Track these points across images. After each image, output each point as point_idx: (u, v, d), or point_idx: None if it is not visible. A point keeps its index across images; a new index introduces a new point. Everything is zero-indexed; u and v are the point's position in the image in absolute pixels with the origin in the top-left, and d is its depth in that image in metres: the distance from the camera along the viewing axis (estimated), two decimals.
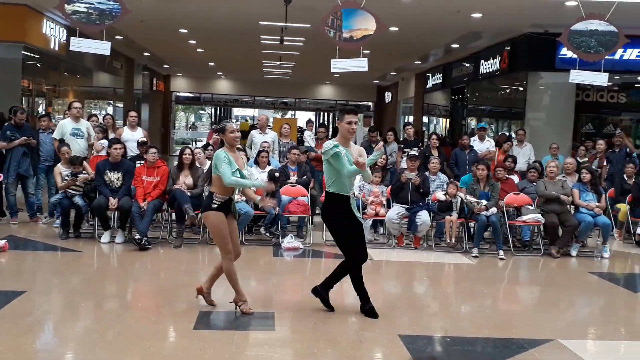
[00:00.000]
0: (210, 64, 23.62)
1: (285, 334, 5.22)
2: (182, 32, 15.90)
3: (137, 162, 9.06)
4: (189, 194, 8.32)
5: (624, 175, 10.02)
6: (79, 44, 9.30)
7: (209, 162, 9.22)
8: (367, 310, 5.60)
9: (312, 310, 5.71)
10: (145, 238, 8.02)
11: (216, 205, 5.45)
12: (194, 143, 18.60)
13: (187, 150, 8.77)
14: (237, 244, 5.74)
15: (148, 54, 21.68)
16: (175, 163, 8.91)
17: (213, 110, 34.20)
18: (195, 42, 17.78)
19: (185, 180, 8.52)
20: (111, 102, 22.07)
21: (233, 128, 5.55)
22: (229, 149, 5.49)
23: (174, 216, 8.64)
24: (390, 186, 9.23)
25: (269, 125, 11.59)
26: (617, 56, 12.13)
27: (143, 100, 24.39)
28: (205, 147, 9.97)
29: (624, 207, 9.67)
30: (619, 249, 9.41)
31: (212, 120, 33.63)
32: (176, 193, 8.27)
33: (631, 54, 12.80)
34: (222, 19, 13.72)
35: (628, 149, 11.15)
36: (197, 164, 8.85)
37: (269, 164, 9.39)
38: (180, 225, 8.39)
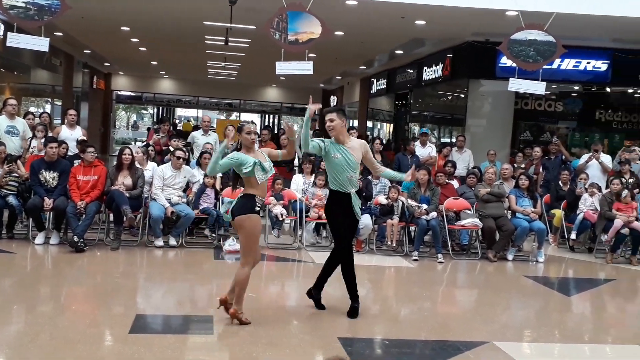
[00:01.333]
0: (153, 63, 23.25)
1: (224, 337, 5.15)
2: (124, 30, 15.59)
3: (75, 161, 8.83)
4: (127, 195, 8.15)
5: (559, 182, 10.33)
6: (16, 40, 8.99)
7: (150, 163, 9.08)
8: (349, 310, 5.74)
9: (251, 313, 5.66)
10: (81, 240, 7.81)
11: (258, 208, 5.26)
12: (134, 143, 18.26)
13: (127, 150, 8.59)
14: (259, 250, 5.57)
15: (89, 52, 21.18)
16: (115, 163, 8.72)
17: (155, 110, 33.66)
18: (137, 40, 17.46)
19: (124, 180, 8.33)
20: (49, 100, 21.45)
21: (250, 129, 5.33)
22: (245, 150, 5.33)
23: (111, 217, 8.45)
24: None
25: (211, 127, 11.47)
26: (554, 66, 12.49)
27: (82, 98, 23.80)
28: (146, 147, 9.78)
29: (558, 213, 9.96)
30: (553, 254, 9.68)
31: (154, 120, 33.07)
32: (114, 194, 8.08)
33: (568, 63, 13.21)
34: (165, 17, 13.52)
35: (564, 157, 11.50)
36: (137, 164, 8.68)
37: None
38: (118, 227, 8.21)
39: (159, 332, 5.28)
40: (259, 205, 5.25)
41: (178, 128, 27.56)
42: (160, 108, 33.44)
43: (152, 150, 9.76)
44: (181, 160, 8.70)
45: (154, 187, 8.50)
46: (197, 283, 6.97)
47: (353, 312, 5.73)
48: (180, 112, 37.71)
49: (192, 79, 29.10)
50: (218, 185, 8.99)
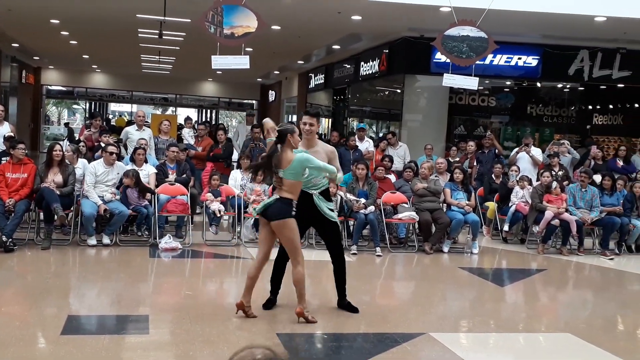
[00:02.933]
0: (84, 56, 22.57)
1: (160, 336, 5.06)
2: (54, 22, 15.07)
3: (3, 158, 8.49)
4: (58, 192, 7.89)
5: (492, 175, 10.58)
6: None
7: (81, 160, 8.81)
8: (271, 301, 5.87)
9: (188, 311, 5.58)
10: (10, 239, 7.52)
11: (295, 212, 5.27)
12: (66, 139, 17.71)
13: (57, 147, 8.30)
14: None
15: (17, 45, 20.39)
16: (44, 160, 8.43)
17: (88, 105, 32.73)
18: (67, 33, 16.89)
19: (54, 178, 8.06)
20: None
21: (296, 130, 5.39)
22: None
23: (42, 216, 8.17)
24: (272, 185, 9.19)
25: (146, 122, 11.24)
26: (487, 61, 12.76)
27: (11, 93, 22.90)
28: (77, 143, 9.49)
29: (492, 205, 10.20)
30: (487, 245, 9.92)
31: (86, 115, 32.16)
32: (44, 191, 7.81)
33: (500, 59, 13.52)
34: (96, 10, 13.13)
35: (497, 150, 11.78)
36: (67, 162, 8.40)
37: (146, 161, 9.10)
38: (48, 226, 7.94)
39: (93, 332, 5.14)
40: (295, 210, 5.29)
41: (112, 123, 26.86)
42: (93, 103, 32.54)
43: (83, 147, 9.48)
44: (114, 155, 8.48)
45: (86, 184, 8.25)
46: (132, 282, 6.81)
47: (268, 304, 5.83)
48: (113, 107, 36.80)
49: (126, 73, 28.40)
50: (153, 183, 8.80)
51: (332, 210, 5.82)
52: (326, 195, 5.80)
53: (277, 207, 5.28)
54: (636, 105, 16.76)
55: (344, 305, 5.89)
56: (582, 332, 5.59)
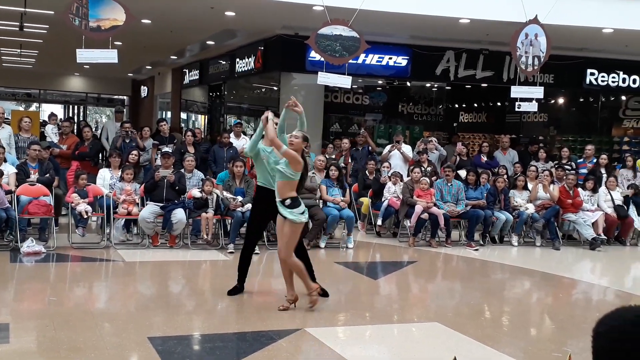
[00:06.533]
0: None
1: (22, 345, 4.74)
2: None
3: None
4: None
5: (366, 172, 10.83)
6: None
7: None
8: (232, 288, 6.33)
9: (53, 318, 5.27)
10: None
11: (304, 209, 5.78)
12: None
13: None
14: None
15: None
16: None
17: None
18: None
19: None
20: None
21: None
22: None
23: None
24: (143, 184, 8.90)
25: (6, 119, 10.51)
26: (360, 61, 13.04)
27: None
28: None
29: (366, 201, 10.45)
30: (362, 239, 10.14)
31: None
32: None
33: (372, 59, 13.85)
34: None
35: (370, 147, 12.08)
36: None
37: (5, 160, 8.50)
38: None
39: None
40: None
41: None
42: None
43: None
44: None
45: None
46: None
47: (234, 290, 6.32)
48: None
49: None
50: (13, 183, 8.24)
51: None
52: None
53: (291, 206, 5.78)
54: (498, 103, 17.84)
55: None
56: (450, 321, 5.83)
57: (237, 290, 6.39)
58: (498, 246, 10.17)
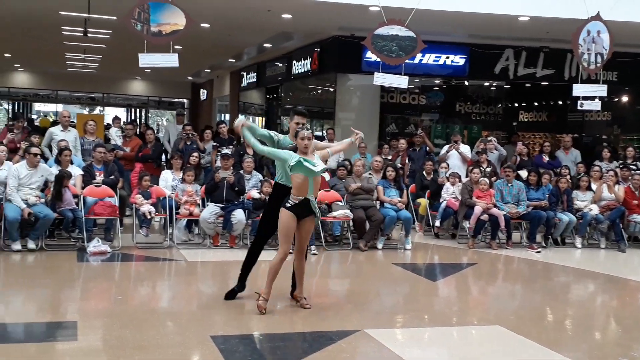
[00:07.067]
0: (6, 55, 21.72)
1: (89, 343, 4.89)
2: None
3: None
4: None
5: (424, 172, 10.74)
6: None
7: (6, 163, 8.42)
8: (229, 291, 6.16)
9: (119, 316, 5.42)
10: None
11: (289, 205, 5.61)
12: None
13: None
14: (289, 245, 5.80)
15: None
16: None
17: (10, 105, 31.48)
18: None
19: None
20: None
21: (304, 135, 5.67)
22: (300, 154, 5.63)
23: None
24: (204, 185, 9.07)
25: (71, 122, 10.86)
26: (416, 60, 12.95)
27: None
28: None
29: (424, 202, 10.36)
30: (420, 241, 10.06)
31: (9, 116, 30.94)
32: None
33: (429, 58, 13.74)
34: (17, 7, 12.62)
35: (427, 148, 11.97)
36: None
37: (72, 163, 8.80)
38: None
39: (20, 340, 4.95)
40: (290, 202, 5.63)
41: (35, 124, 25.91)
42: (16, 103, 31.33)
43: (2, 152, 9.05)
44: (37, 157, 8.16)
45: (9, 188, 7.90)
46: (60, 287, 6.58)
47: (231, 294, 6.13)
48: (38, 107, 35.51)
49: (50, 72, 27.46)
50: (79, 185, 8.52)
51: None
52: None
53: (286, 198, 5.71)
54: (560, 102, 17.40)
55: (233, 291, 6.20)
56: (512, 324, 5.73)
57: (234, 293, 6.13)
58: (561, 248, 9.93)
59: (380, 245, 9.21)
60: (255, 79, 20.41)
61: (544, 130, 17.22)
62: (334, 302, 6.69)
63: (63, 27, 14.71)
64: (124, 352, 4.60)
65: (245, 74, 21.59)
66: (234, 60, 20.50)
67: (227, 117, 23.62)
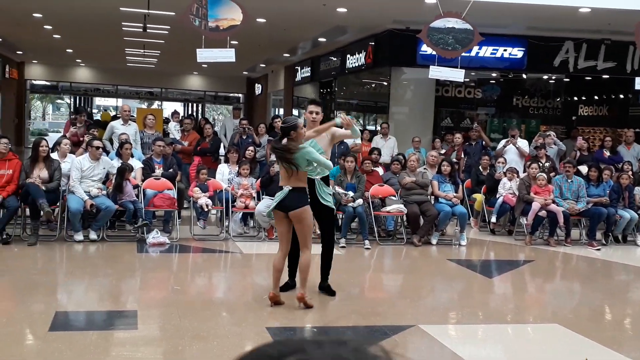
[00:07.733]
0: (68, 50, 22.37)
1: (149, 332, 5.03)
2: (37, 17, 14.90)
3: None
4: (43, 188, 7.81)
5: (480, 167, 10.60)
6: None
7: (70, 155, 8.71)
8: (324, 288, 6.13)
9: (177, 306, 5.55)
10: (6, 233, 7.55)
11: (310, 200, 5.57)
12: (50, 134, 17.50)
13: (44, 142, 8.23)
14: (302, 238, 5.74)
15: (0, 40, 20.17)
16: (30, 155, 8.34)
17: (72, 99, 32.47)
18: (51, 27, 16.73)
19: (39, 173, 7.98)
20: None
21: (312, 109, 5.90)
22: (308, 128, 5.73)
23: (27, 212, 8.09)
24: (259, 178, 9.18)
25: (131, 116, 11.15)
26: (472, 53, 12.75)
27: None
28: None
29: (479, 197, 10.23)
30: (475, 237, 9.94)
31: (71, 110, 31.93)
32: (30, 187, 7.73)
33: (486, 51, 13.53)
34: (79, 4, 13.00)
35: (484, 142, 11.80)
36: (55, 156, 8.33)
37: (132, 156, 9.03)
38: (34, 222, 7.87)
39: (81, 328, 5.11)
40: (309, 198, 5.60)
41: (95, 118, 26.67)
42: (78, 97, 32.29)
43: (66, 145, 9.36)
44: (100, 150, 8.41)
45: (72, 180, 8.18)
46: (120, 277, 6.77)
47: (285, 287, 6.08)
48: (98, 101, 36.53)
49: (111, 67, 28.17)
50: (139, 178, 8.74)
51: (330, 195, 6.04)
52: (325, 181, 6.01)
53: (294, 197, 5.47)
54: (621, 96, 16.87)
55: (324, 287, 6.14)
56: (570, 323, 5.62)
57: (287, 286, 6.17)
58: (621, 246, 9.66)
59: (434, 241, 9.14)
60: (309, 74, 20.47)
61: (604, 125, 16.72)
62: (388, 297, 6.69)
63: (123, 23, 15.07)
64: (183, 342, 4.72)
65: (299, 68, 21.68)
66: (288, 55, 20.61)
67: (282, 111, 23.79)
